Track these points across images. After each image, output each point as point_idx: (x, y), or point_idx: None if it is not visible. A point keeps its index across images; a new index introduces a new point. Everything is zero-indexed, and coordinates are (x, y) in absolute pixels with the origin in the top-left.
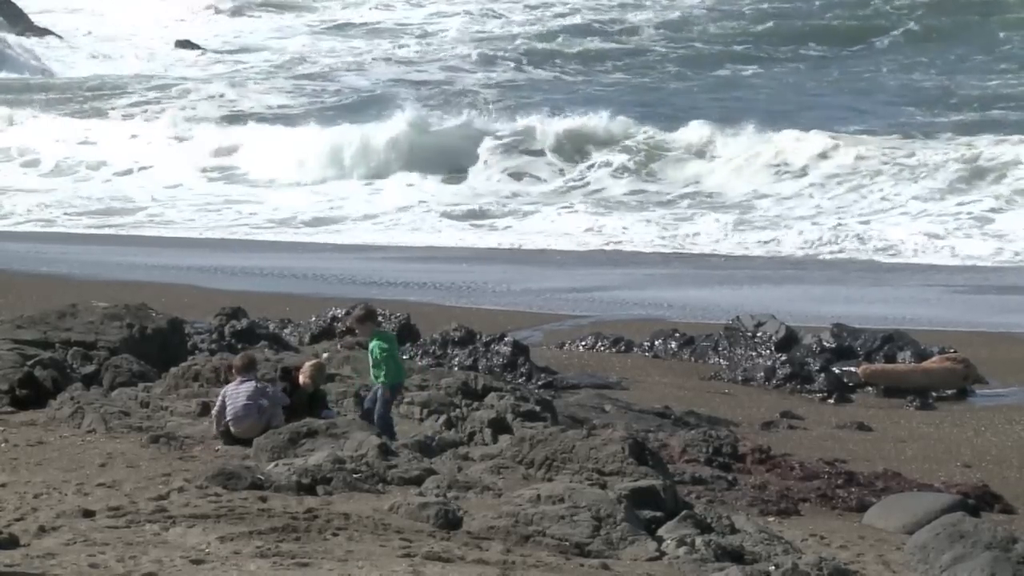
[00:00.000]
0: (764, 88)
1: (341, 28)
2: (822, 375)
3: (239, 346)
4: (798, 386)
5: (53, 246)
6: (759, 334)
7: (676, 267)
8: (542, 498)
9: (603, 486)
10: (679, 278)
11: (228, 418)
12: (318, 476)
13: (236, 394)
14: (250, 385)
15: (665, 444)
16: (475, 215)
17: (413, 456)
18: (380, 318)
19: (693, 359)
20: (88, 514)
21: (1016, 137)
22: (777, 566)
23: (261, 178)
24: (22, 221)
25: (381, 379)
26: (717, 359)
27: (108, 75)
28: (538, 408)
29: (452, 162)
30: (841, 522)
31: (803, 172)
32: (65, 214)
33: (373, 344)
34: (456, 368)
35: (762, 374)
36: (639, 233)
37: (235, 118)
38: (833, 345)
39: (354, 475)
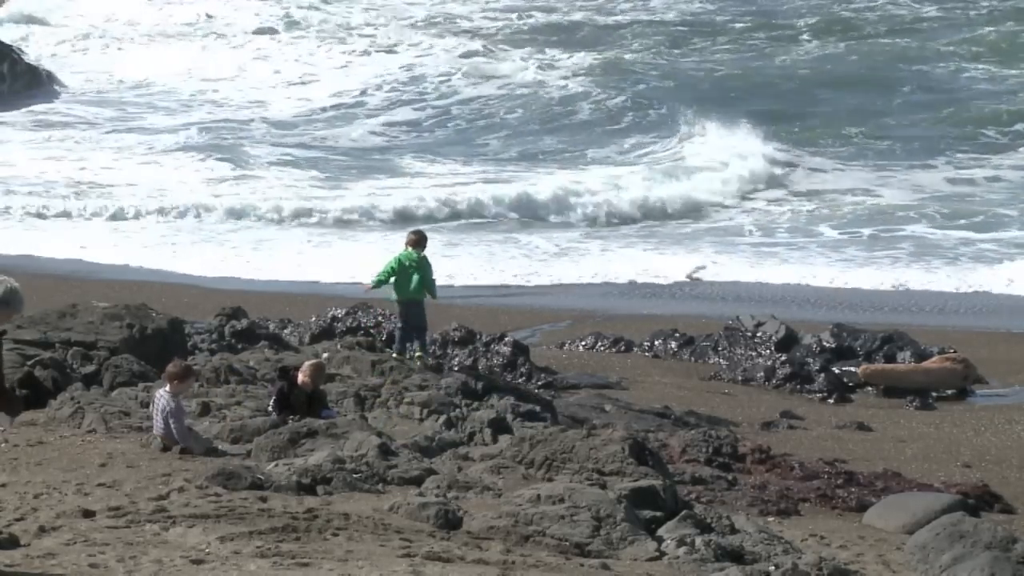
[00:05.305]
0: None
1: None
2: (822, 375)
3: (239, 346)
4: (798, 386)
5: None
6: (759, 334)
7: None
8: (542, 498)
9: (603, 486)
10: None
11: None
12: (318, 476)
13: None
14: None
15: (665, 444)
16: None
17: (413, 456)
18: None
19: (693, 359)
20: (88, 514)
21: None
22: (777, 566)
23: None
24: None
25: None
26: (717, 359)
27: None
28: (538, 408)
29: None
30: (841, 522)
31: None
32: None
33: None
34: (456, 368)
35: (762, 374)
36: None
37: None
38: (833, 345)
39: (354, 475)
